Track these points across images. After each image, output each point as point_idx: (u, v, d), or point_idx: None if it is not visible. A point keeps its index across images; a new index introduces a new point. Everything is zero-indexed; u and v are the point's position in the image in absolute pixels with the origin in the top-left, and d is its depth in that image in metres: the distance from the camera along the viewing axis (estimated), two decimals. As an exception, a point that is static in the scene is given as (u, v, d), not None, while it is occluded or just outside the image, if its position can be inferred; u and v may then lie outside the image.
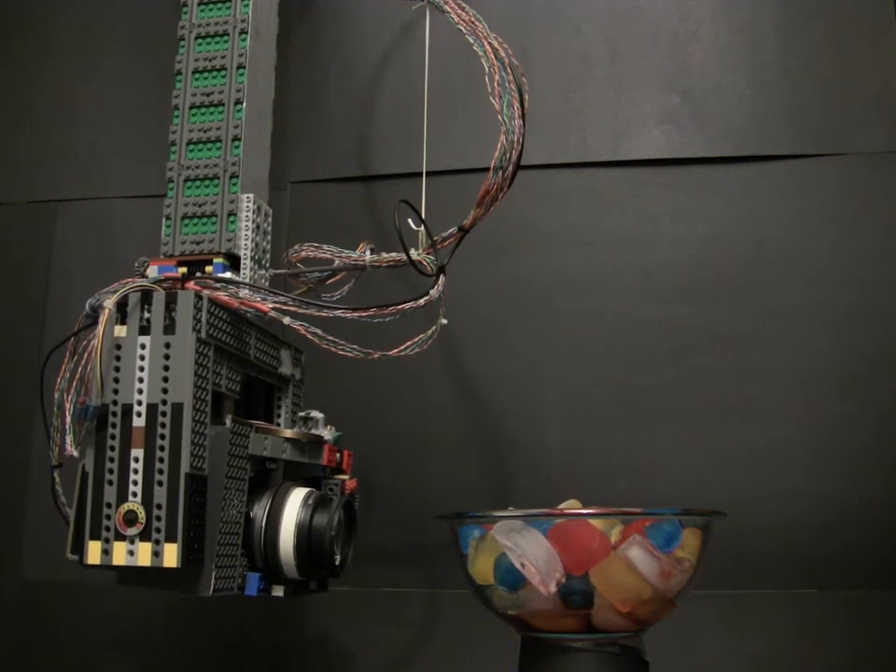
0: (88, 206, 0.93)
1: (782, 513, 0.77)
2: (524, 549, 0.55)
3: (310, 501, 0.57)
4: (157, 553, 0.50)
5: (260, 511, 0.56)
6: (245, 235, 0.61)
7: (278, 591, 0.56)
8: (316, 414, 0.67)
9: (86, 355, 0.54)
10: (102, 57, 0.96)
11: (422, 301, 0.57)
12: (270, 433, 0.59)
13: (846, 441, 0.78)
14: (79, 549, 0.51)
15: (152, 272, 0.59)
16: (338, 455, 0.66)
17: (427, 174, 0.67)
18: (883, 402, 0.78)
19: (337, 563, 0.57)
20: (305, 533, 0.55)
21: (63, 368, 0.57)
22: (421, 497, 0.82)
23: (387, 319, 0.57)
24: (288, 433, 0.61)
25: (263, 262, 0.64)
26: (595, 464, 0.80)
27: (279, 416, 0.66)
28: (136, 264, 0.59)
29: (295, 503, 0.56)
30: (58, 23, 0.98)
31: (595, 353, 0.83)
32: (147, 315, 0.53)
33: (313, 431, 0.65)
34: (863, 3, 0.85)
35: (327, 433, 0.66)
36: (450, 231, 0.62)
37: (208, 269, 0.59)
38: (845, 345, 0.79)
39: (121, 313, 0.53)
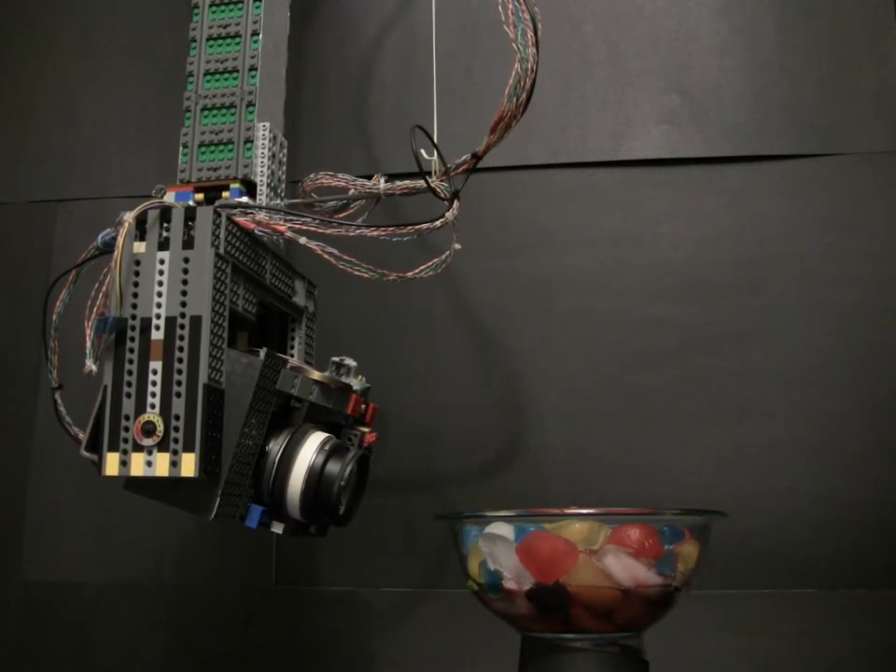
0: (88, 206, 0.93)
1: (782, 513, 0.77)
2: (496, 557, 0.55)
3: (326, 447, 0.56)
4: (174, 464, 0.50)
5: (276, 447, 0.56)
6: (262, 162, 0.62)
7: (277, 528, 0.57)
8: (350, 362, 0.65)
9: (105, 270, 0.54)
10: (102, 57, 0.96)
11: (438, 223, 0.58)
12: (300, 372, 0.58)
13: (845, 441, 0.78)
14: (96, 451, 0.52)
15: (169, 198, 0.60)
16: (363, 406, 0.65)
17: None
18: (883, 402, 0.78)
19: (341, 513, 0.57)
20: (315, 477, 0.55)
21: (63, 293, 0.57)
22: (421, 496, 0.82)
23: (405, 239, 0.58)
24: (318, 376, 0.60)
25: (279, 191, 0.65)
26: (594, 464, 0.80)
27: (292, 348, 0.66)
28: (154, 191, 0.60)
29: (311, 446, 0.56)
30: (58, 23, 0.98)
31: (595, 353, 0.83)
32: (165, 233, 0.54)
33: (342, 379, 0.65)
34: (863, 3, 0.85)
35: (356, 383, 0.65)
36: (463, 157, 0.61)
37: (225, 194, 0.60)
38: (845, 345, 0.79)
39: (140, 230, 0.54)
